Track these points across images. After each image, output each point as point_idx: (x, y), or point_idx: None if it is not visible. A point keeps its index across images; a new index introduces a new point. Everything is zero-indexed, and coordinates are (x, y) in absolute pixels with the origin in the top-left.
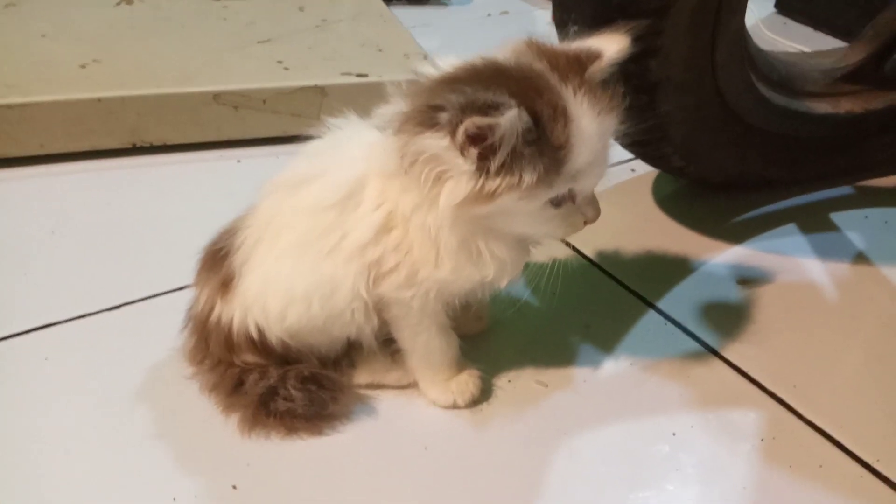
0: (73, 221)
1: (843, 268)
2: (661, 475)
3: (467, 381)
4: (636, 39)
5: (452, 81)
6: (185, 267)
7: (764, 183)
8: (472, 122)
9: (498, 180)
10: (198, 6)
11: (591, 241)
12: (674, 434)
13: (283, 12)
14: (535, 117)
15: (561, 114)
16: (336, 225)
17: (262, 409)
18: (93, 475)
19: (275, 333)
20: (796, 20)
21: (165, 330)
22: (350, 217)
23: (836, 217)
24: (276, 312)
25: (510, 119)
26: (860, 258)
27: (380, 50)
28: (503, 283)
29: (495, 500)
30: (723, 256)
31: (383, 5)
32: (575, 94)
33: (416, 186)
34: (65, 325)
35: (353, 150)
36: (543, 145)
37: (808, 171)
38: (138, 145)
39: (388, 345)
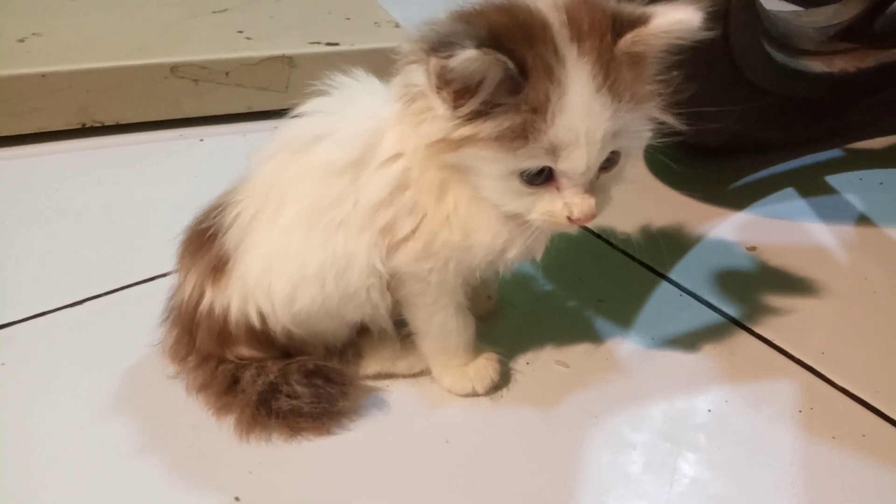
0: (21, 210)
1: (848, 230)
2: (704, 457)
3: (486, 366)
4: None
5: (457, 16)
6: (150, 255)
7: (758, 147)
8: (435, 62)
9: (468, 128)
10: None
11: None
12: (709, 410)
13: None
14: (520, 66)
15: (547, 73)
16: (350, 190)
17: (261, 408)
18: (69, 498)
19: (281, 321)
20: None
21: (137, 325)
22: (363, 175)
23: (832, 180)
24: (283, 295)
25: (463, 60)
26: (862, 219)
27: (347, 18)
28: (511, 255)
29: (530, 494)
30: (727, 223)
31: None
32: (580, 57)
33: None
34: (20, 325)
35: (369, 102)
36: (522, 102)
37: (802, 133)
38: (89, 125)
39: (397, 329)
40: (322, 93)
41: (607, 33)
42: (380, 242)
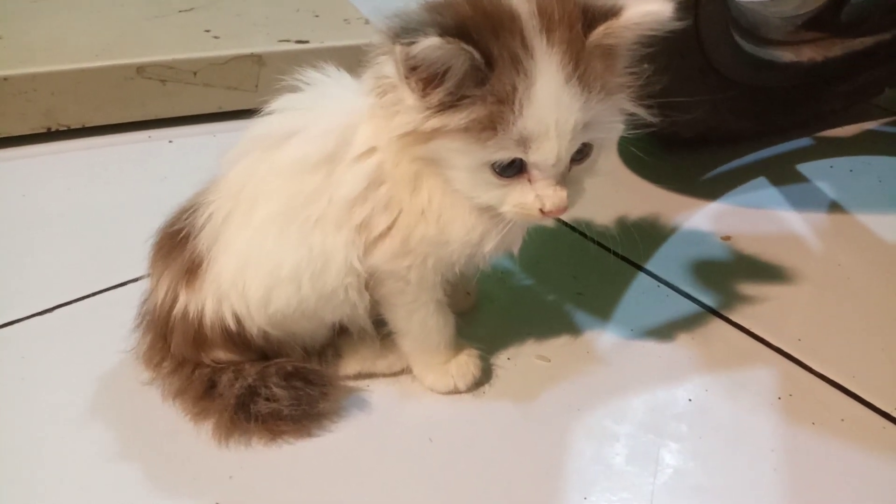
0: None
1: (820, 217)
2: (686, 447)
3: (467, 363)
4: None
5: (426, 7)
6: (120, 260)
7: (729, 137)
8: (399, 49)
9: (437, 119)
10: None
11: None
12: (690, 400)
13: None
14: (487, 59)
15: (515, 63)
16: (324, 187)
17: (240, 412)
18: None
19: (257, 323)
20: None
21: (109, 332)
22: (337, 171)
23: (803, 168)
24: (258, 297)
25: (425, 48)
26: (834, 206)
27: (316, 15)
28: (487, 248)
29: (515, 489)
30: (701, 213)
31: None
32: (549, 48)
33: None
34: None
35: (342, 97)
36: (489, 94)
37: (771, 123)
38: (54, 129)
39: (376, 328)
40: (293, 89)
41: (577, 24)
42: (357, 240)
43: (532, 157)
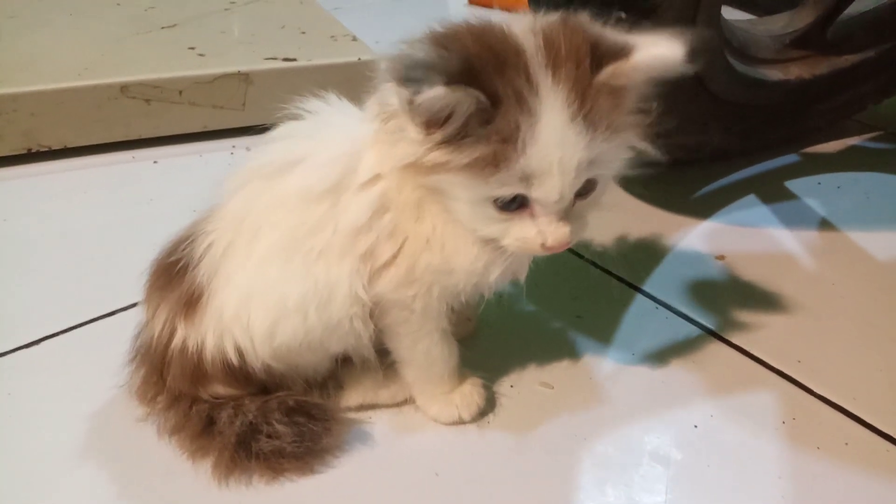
0: None
1: (812, 235)
2: (694, 474)
3: (471, 392)
4: None
5: (432, 39)
6: (109, 287)
7: (717, 155)
8: (404, 93)
9: (440, 153)
10: None
11: None
12: (696, 427)
13: None
14: (492, 99)
15: (519, 101)
16: (329, 217)
17: (241, 450)
18: None
19: (260, 357)
20: None
21: (100, 365)
22: (342, 200)
23: (791, 185)
24: (263, 330)
25: (430, 98)
26: (825, 224)
27: (303, 32)
28: (493, 277)
29: None
30: (694, 233)
31: None
32: (555, 84)
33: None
34: None
35: (345, 124)
36: (493, 132)
37: (759, 140)
38: (35, 150)
39: (379, 358)
40: (293, 116)
41: (585, 60)
42: (361, 269)
43: (535, 194)
